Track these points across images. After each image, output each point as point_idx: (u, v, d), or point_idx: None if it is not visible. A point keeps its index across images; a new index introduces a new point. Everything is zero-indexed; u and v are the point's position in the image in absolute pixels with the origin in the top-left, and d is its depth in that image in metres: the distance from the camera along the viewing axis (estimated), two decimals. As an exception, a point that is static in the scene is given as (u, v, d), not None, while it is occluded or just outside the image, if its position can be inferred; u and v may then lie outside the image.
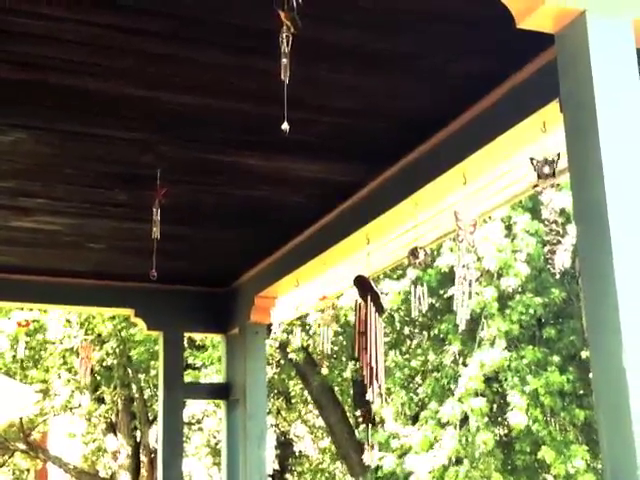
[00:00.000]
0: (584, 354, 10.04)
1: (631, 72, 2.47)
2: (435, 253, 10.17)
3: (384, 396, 4.26)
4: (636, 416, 2.19)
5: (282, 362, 13.34)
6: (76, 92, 3.44)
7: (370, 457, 10.55)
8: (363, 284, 4.39)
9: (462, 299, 3.66)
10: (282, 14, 2.50)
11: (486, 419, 10.28)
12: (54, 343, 14.38)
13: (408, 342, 11.92)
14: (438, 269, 10.27)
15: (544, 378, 9.84)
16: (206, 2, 2.91)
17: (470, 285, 3.63)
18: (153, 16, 2.97)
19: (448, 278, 10.36)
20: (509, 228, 10.13)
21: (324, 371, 12.93)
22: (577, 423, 10.09)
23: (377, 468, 11.59)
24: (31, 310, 13.22)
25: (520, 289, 10.20)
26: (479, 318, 10.15)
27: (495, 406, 10.53)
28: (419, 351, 11.51)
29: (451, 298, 10.44)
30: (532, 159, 3.16)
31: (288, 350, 12.14)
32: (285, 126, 2.47)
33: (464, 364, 10.58)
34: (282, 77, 2.46)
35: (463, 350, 10.58)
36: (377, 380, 4.21)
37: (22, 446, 16.60)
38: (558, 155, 3.09)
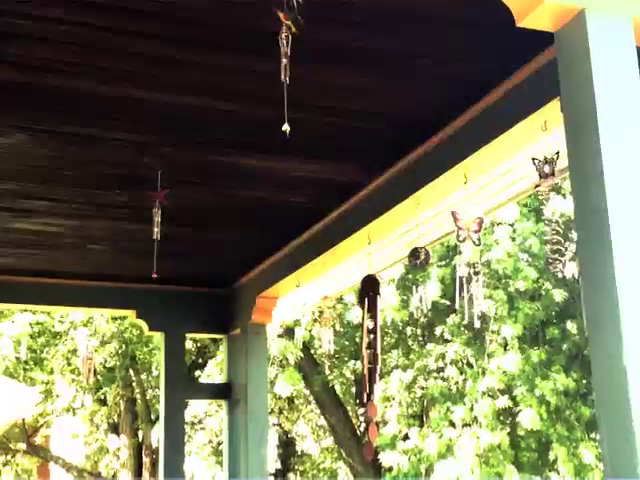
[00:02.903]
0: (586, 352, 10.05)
1: (631, 69, 2.47)
2: (451, 253, 10.17)
3: (374, 395, 4.27)
4: (636, 414, 2.19)
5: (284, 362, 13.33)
6: (77, 94, 3.44)
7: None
8: (371, 284, 4.40)
9: (465, 298, 3.66)
10: (282, 15, 2.49)
11: (498, 418, 10.30)
12: (57, 344, 14.38)
13: (410, 342, 11.90)
14: (453, 267, 10.27)
15: (551, 380, 9.84)
16: (207, 4, 2.91)
17: (473, 283, 3.62)
18: (154, 18, 2.97)
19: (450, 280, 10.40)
20: (513, 230, 10.16)
21: (326, 371, 12.93)
22: (584, 421, 10.08)
23: (387, 469, 11.59)
24: (34, 313, 13.23)
25: (529, 289, 10.22)
26: (487, 319, 10.16)
27: (504, 405, 10.53)
28: (423, 351, 11.50)
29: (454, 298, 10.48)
30: (534, 159, 3.16)
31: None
32: (286, 127, 2.46)
33: (469, 365, 10.59)
34: (282, 78, 2.45)
35: (470, 351, 10.58)
36: (376, 379, 4.23)
37: (24, 446, 16.62)
38: (557, 154, 3.08)
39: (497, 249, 9.92)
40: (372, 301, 4.37)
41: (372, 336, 4.30)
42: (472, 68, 3.32)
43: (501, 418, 10.60)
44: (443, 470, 10.29)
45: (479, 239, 3.65)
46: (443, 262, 10.50)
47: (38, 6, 2.88)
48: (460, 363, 10.81)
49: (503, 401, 10.29)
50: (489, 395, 10.33)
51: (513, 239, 10.16)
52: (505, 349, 10.23)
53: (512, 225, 10.19)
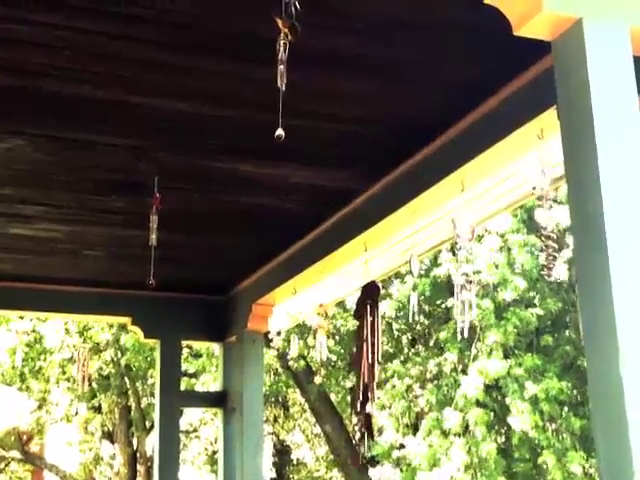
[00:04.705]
0: (580, 362, 10.03)
1: (628, 79, 2.47)
2: (431, 262, 10.18)
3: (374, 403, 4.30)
4: (632, 423, 2.18)
5: (280, 370, 13.32)
6: (73, 99, 3.44)
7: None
8: (371, 291, 4.40)
9: (462, 306, 3.67)
10: (280, 22, 2.49)
11: (488, 427, 10.28)
12: (52, 353, 14.34)
13: (406, 350, 11.89)
14: (432, 278, 10.29)
15: (544, 384, 9.84)
16: (203, 10, 2.91)
17: (469, 292, 3.64)
18: (150, 24, 2.97)
19: (443, 287, 10.41)
20: (504, 240, 10.16)
21: (321, 379, 12.91)
22: (574, 431, 10.07)
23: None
24: (30, 320, 13.20)
25: (518, 298, 10.21)
26: (476, 328, 10.15)
27: (495, 413, 10.51)
28: (418, 359, 11.49)
29: (448, 306, 10.52)
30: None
31: (288, 358, 12.11)
32: (279, 132, 2.45)
33: (464, 372, 10.58)
34: (278, 84, 2.45)
35: (462, 359, 10.58)
36: (373, 389, 4.23)
37: (19, 454, 16.55)
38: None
39: (484, 258, 9.91)
40: (371, 309, 4.36)
41: (370, 344, 4.29)
42: (470, 76, 3.32)
43: (496, 427, 10.59)
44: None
45: (471, 248, 3.68)
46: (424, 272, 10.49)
47: (33, 11, 2.88)
48: (455, 371, 10.79)
49: (495, 409, 10.29)
50: (481, 404, 10.31)
51: (508, 249, 10.16)
52: (489, 356, 10.21)
53: (502, 236, 10.19)
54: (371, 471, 11.84)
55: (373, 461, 11.78)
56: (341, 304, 10.88)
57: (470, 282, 3.66)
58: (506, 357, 10.27)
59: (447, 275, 10.01)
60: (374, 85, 3.40)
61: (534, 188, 3.18)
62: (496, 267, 9.94)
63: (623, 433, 2.19)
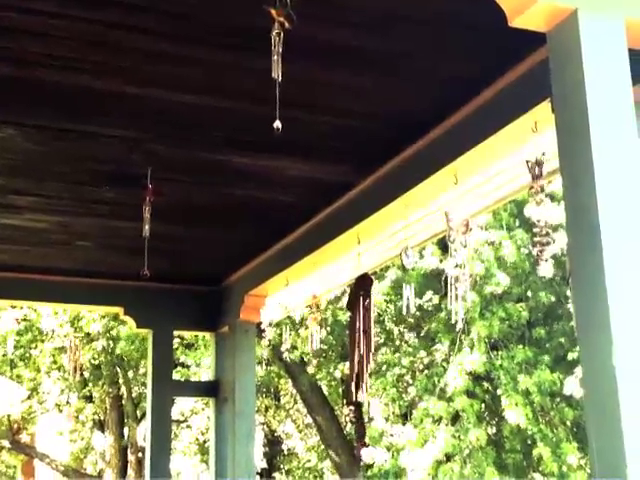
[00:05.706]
0: (571, 355, 10.07)
1: (622, 70, 2.47)
2: (418, 255, 10.21)
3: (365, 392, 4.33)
4: (625, 413, 2.19)
5: (271, 361, 13.34)
6: (67, 89, 3.42)
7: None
8: (363, 283, 4.41)
9: (456, 298, 3.68)
10: (273, 12, 2.49)
11: (478, 417, 10.33)
12: (44, 341, 14.31)
13: (398, 341, 11.93)
14: (419, 271, 10.33)
15: (536, 376, 9.87)
16: (202, 0, 2.90)
17: (463, 284, 3.64)
18: (146, 13, 2.95)
19: (431, 280, 10.46)
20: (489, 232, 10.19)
21: (313, 370, 12.93)
22: (567, 422, 10.12)
23: (368, 466, 11.63)
24: (21, 308, 13.17)
25: (508, 290, 10.24)
26: (465, 320, 10.19)
27: (486, 404, 10.56)
28: (409, 350, 11.54)
29: (440, 299, 10.55)
30: (528, 161, 3.16)
31: (282, 349, 12.12)
32: (277, 124, 2.45)
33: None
34: (273, 75, 2.45)
35: (452, 349, 10.63)
36: (364, 378, 4.25)
37: (9, 443, 16.54)
38: (543, 154, 3.09)
39: (470, 250, 9.92)
40: (364, 300, 4.37)
41: (363, 335, 4.31)
42: (463, 68, 3.31)
43: (487, 418, 10.63)
44: (419, 463, 10.32)
45: (466, 240, 3.68)
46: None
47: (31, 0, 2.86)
48: (446, 361, 10.83)
49: (485, 400, 10.34)
50: (470, 394, 10.35)
51: (492, 244, 10.19)
52: (472, 349, 10.26)
53: (486, 229, 10.22)
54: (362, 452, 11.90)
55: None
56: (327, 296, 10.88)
57: (463, 274, 3.67)
58: (496, 349, 10.31)
59: (436, 267, 10.05)
60: (370, 78, 3.39)
61: (531, 188, 3.18)
62: (482, 262, 9.97)
63: (616, 425, 2.20)
